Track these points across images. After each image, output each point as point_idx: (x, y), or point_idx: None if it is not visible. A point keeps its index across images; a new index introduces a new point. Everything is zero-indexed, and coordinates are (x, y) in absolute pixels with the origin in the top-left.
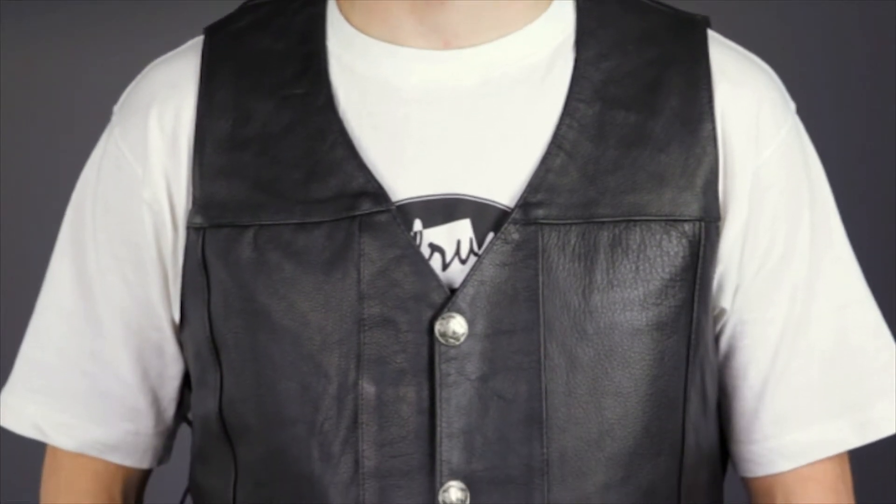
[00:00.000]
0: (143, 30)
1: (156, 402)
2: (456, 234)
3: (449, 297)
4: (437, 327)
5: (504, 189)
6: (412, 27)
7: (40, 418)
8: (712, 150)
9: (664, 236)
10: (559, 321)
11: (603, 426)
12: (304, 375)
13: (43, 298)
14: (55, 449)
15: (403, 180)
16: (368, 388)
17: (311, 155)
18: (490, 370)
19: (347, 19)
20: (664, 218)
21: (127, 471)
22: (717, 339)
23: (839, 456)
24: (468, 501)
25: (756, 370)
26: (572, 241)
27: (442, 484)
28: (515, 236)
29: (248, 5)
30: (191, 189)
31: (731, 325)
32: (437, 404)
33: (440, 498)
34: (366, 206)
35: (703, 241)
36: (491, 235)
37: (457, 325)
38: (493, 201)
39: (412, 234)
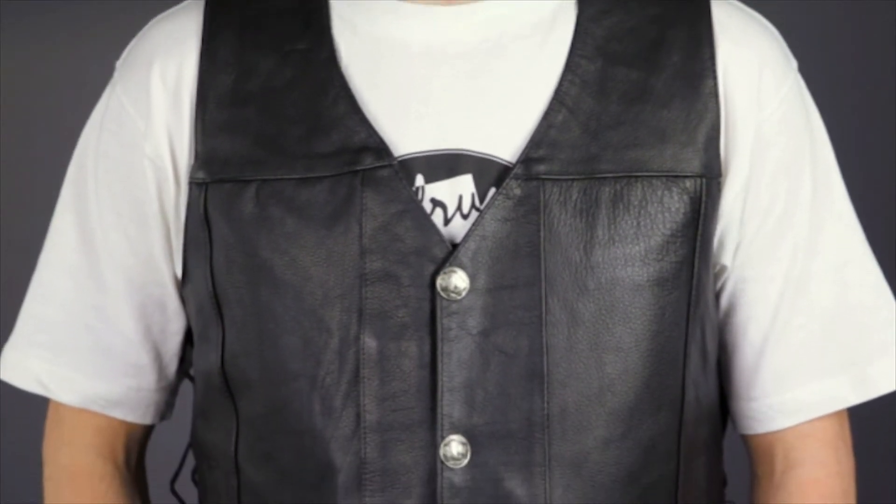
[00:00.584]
0: None
1: (158, 357)
2: (458, 190)
3: (451, 252)
4: (439, 282)
5: (506, 144)
6: None
7: (43, 373)
8: (714, 107)
9: (665, 192)
10: (560, 276)
11: (603, 381)
12: (306, 330)
13: (45, 254)
14: (57, 404)
15: (405, 135)
16: (370, 343)
17: (313, 110)
18: (491, 325)
19: None
20: (665, 174)
21: (129, 426)
22: (717, 296)
23: (838, 413)
24: (469, 455)
25: (756, 327)
26: (574, 197)
27: (443, 438)
28: (517, 192)
29: None
30: (193, 144)
31: (732, 283)
32: (439, 359)
33: (441, 452)
34: (368, 161)
35: (704, 198)
36: (493, 191)
37: (458, 279)
38: (495, 157)
39: (414, 189)
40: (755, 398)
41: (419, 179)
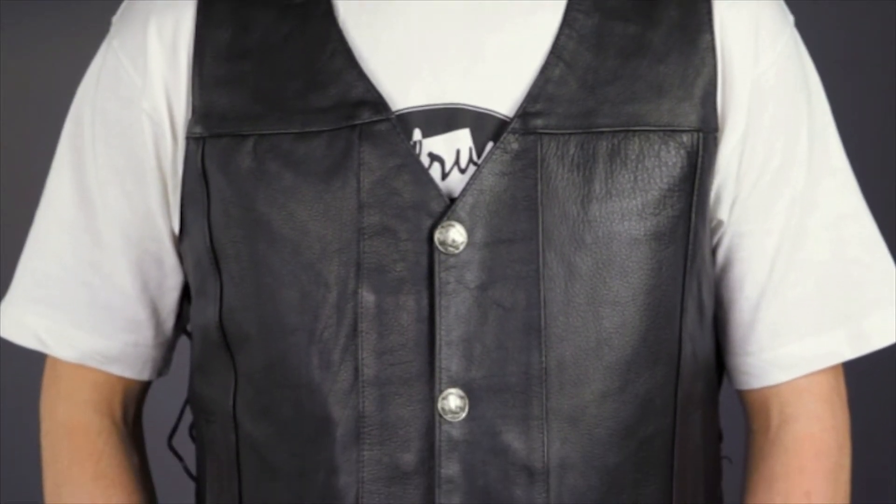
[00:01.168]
0: None
1: (155, 313)
2: (455, 144)
3: (448, 206)
4: (437, 236)
5: (503, 99)
6: None
7: (41, 329)
8: (711, 61)
9: (662, 146)
10: (558, 231)
11: (601, 335)
12: (304, 284)
13: (42, 209)
14: (55, 360)
15: (403, 90)
16: (368, 297)
17: (310, 64)
18: (489, 279)
19: None
20: (663, 128)
21: (127, 382)
22: (714, 251)
23: (834, 368)
24: (467, 409)
25: (752, 282)
26: (571, 151)
27: (441, 391)
28: (514, 146)
29: None
30: (190, 99)
31: (729, 237)
32: (437, 312)
33: (439, 405)
34: (365, 116)
35: (700, 152)
36: (490, 145)
37: (456, 233)
38: (493, 111)
39: (412, 143)
40: (751, 353)
41: (417, 134)
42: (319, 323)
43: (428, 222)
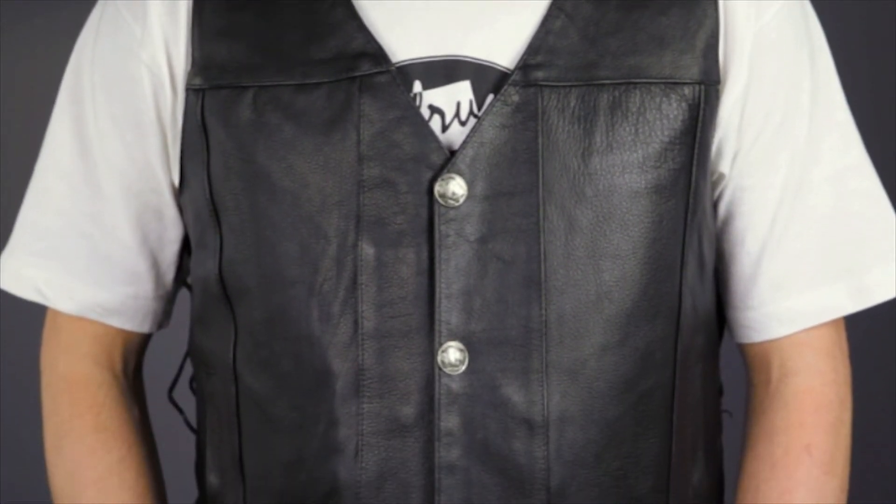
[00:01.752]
0: None
1: (155, 265)
2: (456, 96)
3: (448, 159)
4: (437, 188)
5: (504, 51)
6: None
7: (41, 281)
8: (713, 13)
9: (664, 99)
10: (558, 183)
11: (601, 288)
12: (304, 236)
13: (42, 160)
14: (55, 313)
15: (403, 41)
16: (368, 250)
17: (310, 16)
18: (489, 232)
19: None
20: (664, 80)
21: (127, 335)
22: (715, 204)
23: (835, 322)
24: (466, 362)
25: (754, 236)
26: (572, 104)
27: (441, 344)
28: (515, 98)
29: None
30: (190, 50)
31: (730, 191)
32: (437, 265)
33: (439, 358)
34: (365, 67)
35: (702, 105)
36: (491, 97)
37: (456, 186)
38: (493, 63)
39: (412, 95)
40: (752, 307)
41: (417, 85)
42: (319, 275)
43: (428, 175)
